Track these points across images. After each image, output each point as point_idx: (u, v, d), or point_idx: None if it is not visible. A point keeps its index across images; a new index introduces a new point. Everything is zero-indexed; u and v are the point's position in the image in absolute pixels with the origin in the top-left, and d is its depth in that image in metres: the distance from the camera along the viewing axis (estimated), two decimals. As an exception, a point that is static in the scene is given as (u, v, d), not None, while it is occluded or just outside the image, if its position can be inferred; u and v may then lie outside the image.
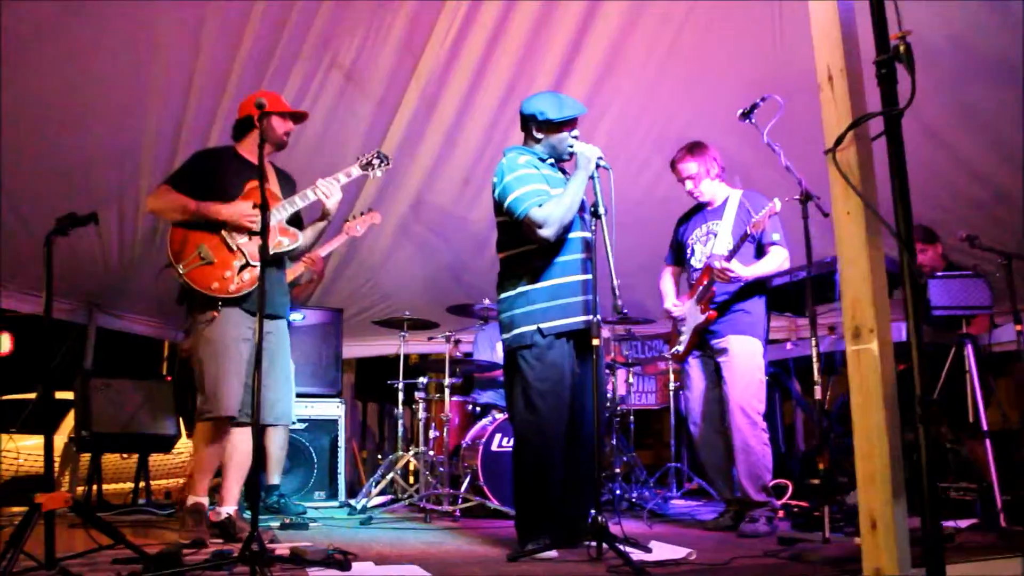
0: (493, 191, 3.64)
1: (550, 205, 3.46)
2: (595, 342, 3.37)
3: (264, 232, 3.04)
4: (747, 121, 3.95)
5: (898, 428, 2.29)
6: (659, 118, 5.90)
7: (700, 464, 4.62)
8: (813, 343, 3.55)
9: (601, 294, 3.51)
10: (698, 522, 4.72)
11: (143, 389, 5.66)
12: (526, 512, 3.46)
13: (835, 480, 4.10)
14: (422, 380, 5.76)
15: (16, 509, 4.74)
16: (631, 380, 6.38)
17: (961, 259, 5.18)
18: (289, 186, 4.15)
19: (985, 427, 4.00)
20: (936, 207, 5.40)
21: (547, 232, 3.46)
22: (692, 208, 4.66)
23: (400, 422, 5.89)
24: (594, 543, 3.21)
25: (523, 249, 3.59)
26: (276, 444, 5.30)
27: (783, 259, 4.28)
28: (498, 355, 6.21)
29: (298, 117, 4.10)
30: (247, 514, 3.96)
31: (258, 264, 3.70)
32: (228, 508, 3.81)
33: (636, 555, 3.17)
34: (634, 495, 5.63)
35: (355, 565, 3.02)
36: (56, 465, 6.89)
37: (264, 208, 3.08)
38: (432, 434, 5.57)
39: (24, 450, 6.55)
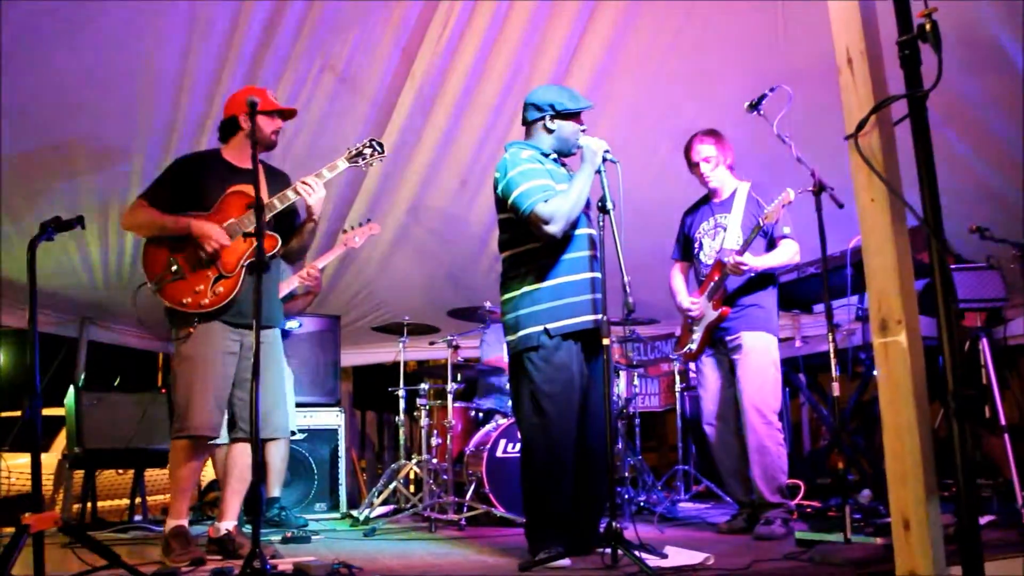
0: (495, 187, 3.53)
1: (556, 200, 3.36)
2: (605, 341, 3.25)
3: (259, 236, 2.93)
4: (755, 113, 3.84)
5: (929, 424, 2.19)
6: (661, 115, 5.80)
7: (714, 466, 4.50)
8: (831, 339, 3.44)
9: (608, 292, 3.40)
10: (710, 525, 4.61)
11: (137, 403, 5.52)
12: (536, 520, 3.34)
13: (848, 479, 4.02)
14: (424, 386, 5.65)
15: (6, 529, 4.60)
16: (636, 382, 6.27)
17: (966, 254, 5.11)
18: (282, 185, 3.88)
19: (1003, 422, 3.91)
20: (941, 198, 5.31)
21: (554, 228, 3.35)
22: (699, 200, 4.55)
23: (401, 430, 5.77)
24: (608, 550, 3.10)
25: (527, 247, 3.49)
26: (277, 456, 5.19)
27: (794, 252, 4.18)
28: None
29: (286, 114, 3.88)
30: (246, 528, 3.87)
31: (232, 275, 3.60)
32: (227, 524, 3.68)
33: (652, 561, 3.06)
34: (642, 499, 5.52)
35: (361, 579, 2.92)
36: (49, 484, 6.79)
37: (259, 210, 2.97)
38: (435, 441, 5.45)
39: (16, 469, 6.43)
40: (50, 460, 6.96)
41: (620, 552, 3.07)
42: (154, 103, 5.03)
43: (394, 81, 5.54)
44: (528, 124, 3.67)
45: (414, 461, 5.54)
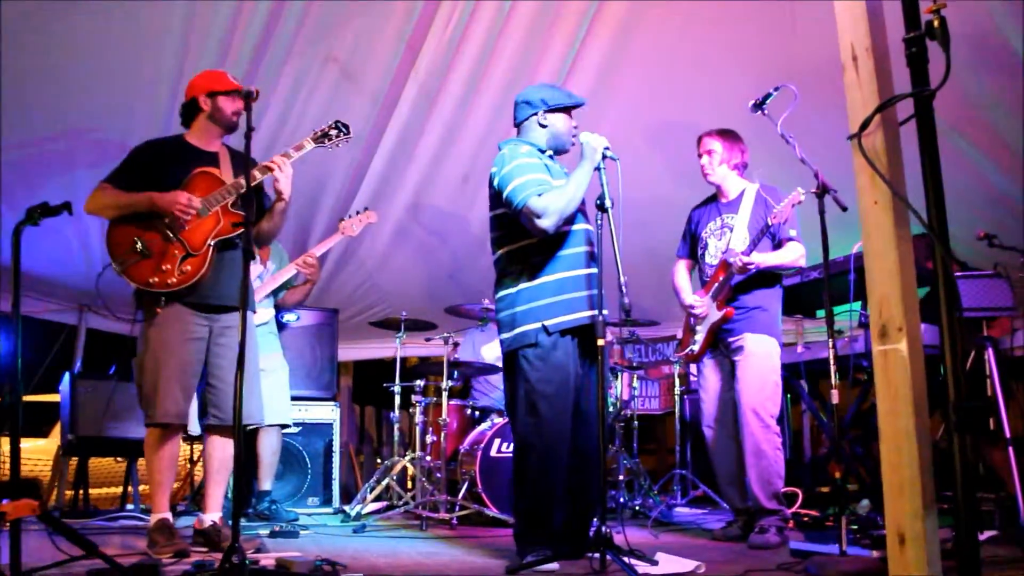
0: (491, 183, 3.48)
1: (550, 195, 3.29)
2: (600, 342, 3.18)
3: (248, 224, 2.87)
4: (759, 112, 3.77)
5: (928, 435, 2.12)
6: (665, 114, 5.73)
7: (711, 470, 4.43)
8: (831, 345, 3.36)
9: (606, 292, 3.34)
10: (705, 531, 4.55)
11: (132, 391, 5.47)
12: (526, 522, 3.28)
13: (847, 488, 3.95)
14: (419, 383, 5.59)
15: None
16: (635, 384, 6.20)
17: (973, 261, 5.03)
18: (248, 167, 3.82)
19: (1008, 434, 3.83)
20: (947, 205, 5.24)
21: (546, 223, 3.28)
22: (707, 198, 4.49)
23: (396, 426, 5.72)
24: (597, 555, 3.04)
25: (523, 244, 3.42)
26: (267, 449, 5.14)
27: (800, 254, 4.11)
28: (479, 357, 6.04)
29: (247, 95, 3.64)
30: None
31: (198, 253, 3.51)
32: (212, 515, 3.63)
33: (642, 568, 3.01)
34: (638, 502, 5.45)
35: (344, 577, 2.86)
36: (49, 470, 6.78)
37: (249, 198, 2.91)
38: (429, 439, 5.40)
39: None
40: (51, 446, 6.95)
41: (609, 557, 3.00)
42: (154, 94, 4.99)
43: (397, 75, 5.48)
44: (520, 123, 3.63)
45: (407, 458, 5.48)
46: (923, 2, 2.09)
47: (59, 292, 6.46)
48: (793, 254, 4.11)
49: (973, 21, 4.40)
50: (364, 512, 5.16)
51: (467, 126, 5.86)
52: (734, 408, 4.13)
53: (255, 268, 5.07)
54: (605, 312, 3.26)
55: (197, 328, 3.57)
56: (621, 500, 5.25)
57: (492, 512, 4.73)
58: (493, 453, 4.87)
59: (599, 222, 3.27)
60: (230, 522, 4.33)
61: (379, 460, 7.35)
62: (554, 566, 3.12)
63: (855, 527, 3.86)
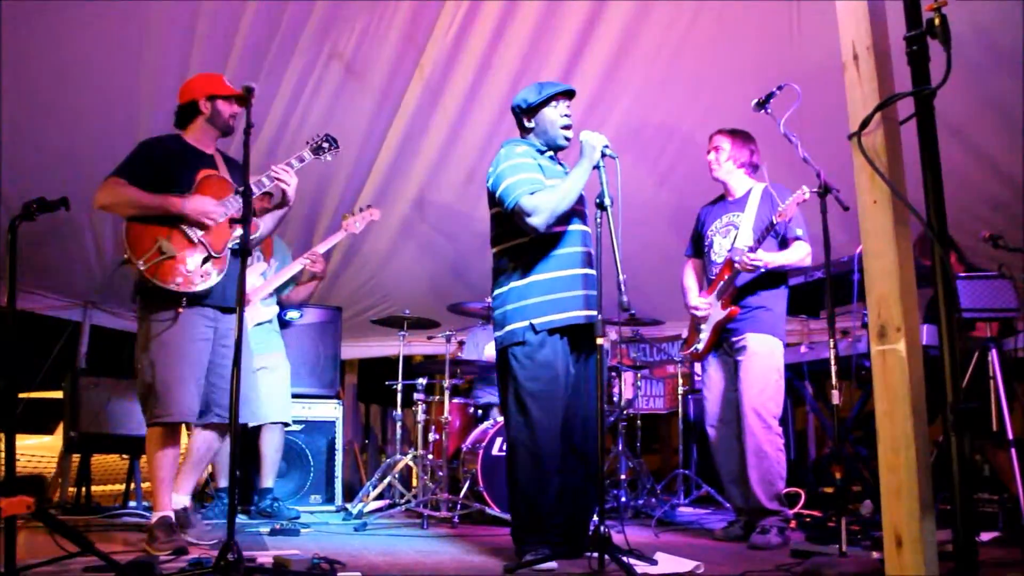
0: (487, 181, 3.49)
1: (542, 193, 3.30)
2: (599, 341, 3.16)
3: (246, 222, 2.87)
4: (763, 111, 3.75)
5: (926, 436, 2.10)
6: (670, 113, 5.71)
7: (714, 470, 4.42)
8: (832, 345, 3.34)
9: (606, 291, 3.32)
10: (707, 531, 4.53)
11: (135, 389, 5.47)
12: (523, 520, 3.28)
13: (849, 490, 3.92)
14: (421, 381, 5.59)
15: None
16: (639, 383, 6.18)
17: (979, 263, 5.00)
18: (238, 173, 3.83)
19: (1011, 435, 3.81)
20: (951, 206, 5.21)
21: (535, 221, 3.28)
22: (715, 197, 4.49)
23: (399, 424, 5.72)
24: (596, 555, 3.03)
25: (517, 242, 3.43)
26: (271, 446, 5.14)
27: (806, 254, 4.10)
28: (483, 355, 6.04)
29: (243, 100, 3.61)
30: (243, 519, 3.80)
31: (220, 256, 3.59)
32: (183, 499, 3.68)
33: (640, 567, 2.99)
34: (640, 502, 5.44)
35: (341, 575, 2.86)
36: (53, 467, 6.79)
37: (247, 194, 2.91)
38: (432, 437, 5.39)
39: (20, 450, 6.42)
40: (55, 444, 6.96)
41: (608, 557, 2.99)
42: (157, 89, 4.99)
43: (402, 73, 5.48)
44: (518, 127, 3.67)
45: (408, 456, 5.47)
46: (924, 0, 2.07)
47: (63, 289, 6.47)
48: (799, 253, 4.09)
49: (976, 20, 4.37)
50: (366, 510, 5.15)
51: (472, 124, 5.85)
52: (737, 408, 4.12)
53: (259, 266, 5.08)
54: (596, 314, 3.26)
55: (206, 329, 3.61)
56: (624, 500, 5.23)
57: (494, 511, 4.72)
58: (495, 452, 4.86)
59: (599, 221, 3.25)
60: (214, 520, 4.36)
61: (384, 458, 7.35)
62: (552, 565, 3.11)
63: (856, 528, 3.84)
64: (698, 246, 4.51)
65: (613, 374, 5.89)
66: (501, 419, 5.02)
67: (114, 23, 4.54)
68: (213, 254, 3.58)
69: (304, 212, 6.31)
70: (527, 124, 3.59)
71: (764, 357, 4.05)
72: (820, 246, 3.57)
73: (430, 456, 5.31)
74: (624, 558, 2.94)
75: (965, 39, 4.42)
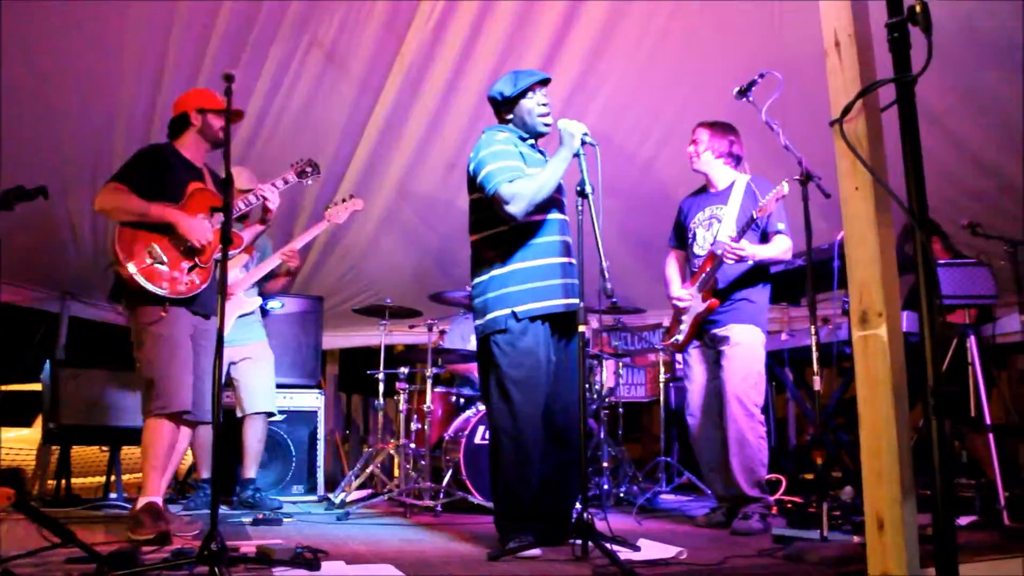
0: (468, 167, 3.49)
1: (521, 181, 3.31)
2: (581, 328, 3.18)
3: (227, 229, 2.88)
4: (744, 99, 3.76)
5: (907, 421, 2.13)
6: (652, 101, 5.71)
7: (695, 458, 4.44)
8: (813, 332, 3.37)
9: (588, 279, 3.33)
10: (689, 518, 4.55)
11: (116, 380, 5.44)
12: (506, 508, 3.28)
13: (830, 475, 3.95)
14: (403, 370, 5.57)
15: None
16: (620, 372, 6.20)
17: (957, 250, 5.05)
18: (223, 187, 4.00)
19: (988, 421, 3.85)
20: (934, 195, 5.24)
21: (514, 209, 3.29)
22: (697, 188, 4.50)
23: (381, 414, 5.70)
24: (579, 541, 3.04)
25: (496, 230, 3.43)
26: (253, 437, 5.11)
27: (787, 248, 4.12)
28: (469, 345, 6.04)
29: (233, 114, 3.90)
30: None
31: (206, 266, 3.74)
32: (148, 499, 3.66)
33: (624, 554, 3.00)
34: (623, 490, 5.46)
35: (325, 564, 2.85)
36: (32, 459, 6.72)
37: (228, 182, 2.90)
38: (414, 426, 5.38)
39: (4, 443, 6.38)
40: (34, 436, 6.90)
41: (591, 544, 3.00)
42: (137, 76, 4.95)
43: (382, 62, 5.45)
44: (496, 117, 3.69)
45: (391, 446, 5.46)
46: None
47: (41, 280, 6.42)
48: (781, 247, 4.11)
49: (958, 10, 4.40)
50: (348, 500, 5.14)
51: (453, 112, 5.83)
52: (719, 397, 4.14)
53: (241, 259, 5.08)
54: (577, 302, 3.27)
55: (190, 326, 3.77)
56: (606, 487, 5.25)
57: (476, 499, 4.72)
58: (477, 440, 4.87)
59: (579, 208, 3.26)
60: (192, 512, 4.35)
61: (366, 448, 7.34)
62: (536, 552, 3.12)
63: (837, 513, 3.87)
64: (681, 237, 4.52)
65: (595, 362, 5.90)
66: (484, 408, 5.02)
67: (91, 12, 4.49)
68: (200, 264, 3.73)
69: (285, 202, 6.26)
70: (506, 116, 3.60)
71: (747, 347, 4.07)
72: (801, 234, 3.59)
73: (412, 445, 5.31)
74: (607, 545, 2.95)
75: (946, 29, 4.45)
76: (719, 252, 4.04)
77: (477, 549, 3.40)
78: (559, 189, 3.49)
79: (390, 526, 4.29)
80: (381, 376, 5.67)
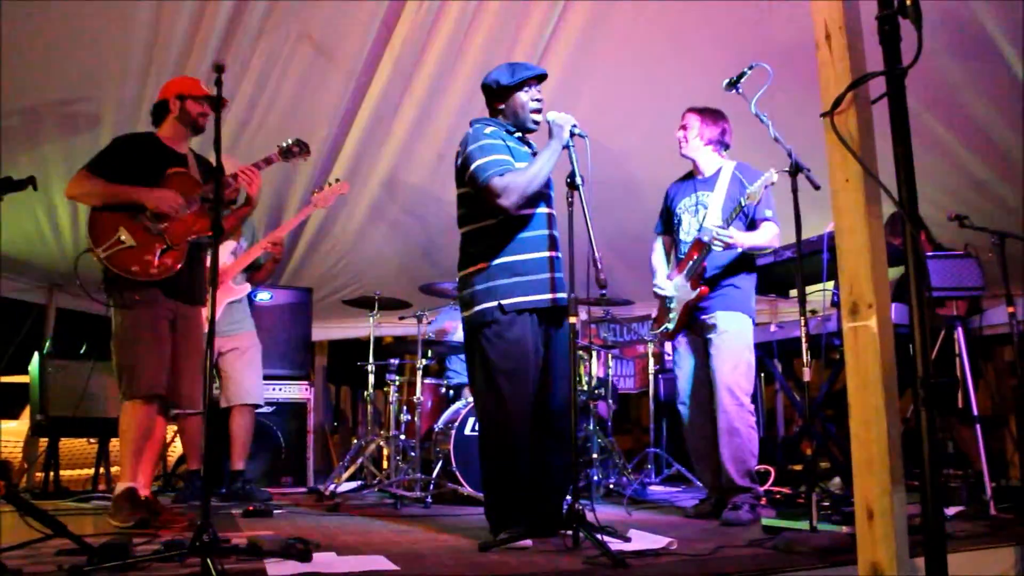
0: (456, 160, 3.49)
1: (512, 174, 3.31)
2: (572, 320, 3.18)
3: (217, 213, 2.86)
4: (734, 91, 3.76)
5: (897, 411, 2.14)
6: (642, 93, 5.71)
7: (685, 448, 4.45)
8: (802, 323, 3.38)
9: (577, 270, 3.32)
10: (678, 509, 4.57)
11: (104, 371, 5.42)
12: (496, 499, 3.30)
13: (819, 466, 3.98)
14: (393, 361, 5.57)
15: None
16: (610, 363, 6.21)
17: (943, 242, 5.07)
18: (208, 170, 4.04)
19: (975, 412, 3.88)
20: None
21: (506, 202, 3.29)
22: (684, 175, 4.49)
23: (370, 405, 5.70)
24: (570, 532, 3.05)
25: (484, 223, 3.44)
26: (241, 428, 5.10)
27: (775, 235, 4.12)
28: (455, 336, 6.05)
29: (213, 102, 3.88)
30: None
31: (177, 247, 3.73)
32: (127, 484, 3.70)
33: (614, 544, 3.01)
34: (612, 481, 5.48)
35: (316, 555, 2.84)
36: (18, 451, 6.70)
37: (219, 187, 2.88)
38: (403, 418, 5.39)
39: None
40: (21, 428, 6.87)
41: (582, 534, 3.01)
42: (125, 72, 4.92)
43: (372, 52, 5.42)
44: (488, 106, 3.67)
45: (381, 437, 5.47)
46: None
47: (28, 271, 6.38)
48: (768, 235, 4.11)
49: (949, 7, 4.41)
50: (338, 491, 5.15)
51: (443, 104, 5.81)
52: (708, 386, 4.14)
53: (229, 244, 5.07)
54: (565, 296, 3.28)
55: (167, 311, 3.76)
56: (595, 478, 5.26)
57: (466, 490, 4.73)
58: (467, 432, 4.87)
59: (569, 200, 3.26)
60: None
61: (355, 439, 7.35)
62: (526, 542, 3.13)
63: (826, 504, 3.89)
64: (667, 223, 4.51)
65: (583, 354, 5.91)
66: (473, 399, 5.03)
67: (79, 6, 4.45)
68: (171, 245, 3.70)
69: (274, 191, 6.25)
70: (499, 106, 3.59)
71: (735, 335, 4.08)
72: (790, 225, 3.59)
73: (402, 437, 5.31)
74: (598, 535, 2.96)
75: (931, 21, 4.47)
76: (707, 239, 4.04)
77: (468, 540, 3.40)
78: (547, 183, 3.49)
79: (380, 517, 4.29)
80: (371, 368, 5.67)
